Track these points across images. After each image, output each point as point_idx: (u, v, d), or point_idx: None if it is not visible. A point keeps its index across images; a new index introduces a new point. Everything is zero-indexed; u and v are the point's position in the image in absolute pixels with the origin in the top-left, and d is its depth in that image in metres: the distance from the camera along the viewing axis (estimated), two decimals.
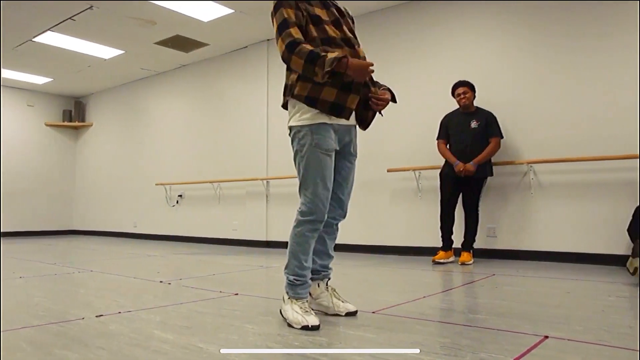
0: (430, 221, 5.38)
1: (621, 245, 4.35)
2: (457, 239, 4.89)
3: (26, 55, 7.95)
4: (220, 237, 7.60)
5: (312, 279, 2.46)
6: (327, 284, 2.57)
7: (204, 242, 7.81)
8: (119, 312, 2.56)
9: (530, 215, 4.95)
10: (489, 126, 4.81)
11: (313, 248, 2.45)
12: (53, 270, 4.34)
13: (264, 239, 7.01)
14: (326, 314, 2.50)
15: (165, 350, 1.88)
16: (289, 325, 2.23)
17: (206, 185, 7.84)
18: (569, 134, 4.76)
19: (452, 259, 4.87)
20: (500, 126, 4.85)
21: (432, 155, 5.20)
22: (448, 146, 4.97)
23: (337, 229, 2.62)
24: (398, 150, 5.82)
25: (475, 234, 4.85)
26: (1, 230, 9.47)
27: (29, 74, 9.11)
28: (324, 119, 2.32)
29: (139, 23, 6.58)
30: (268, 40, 7.22)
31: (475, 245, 4.89)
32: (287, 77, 2.41)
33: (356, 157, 2.65)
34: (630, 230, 4.04)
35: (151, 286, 3.50)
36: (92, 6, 6.06)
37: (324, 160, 2.35)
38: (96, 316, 2.47)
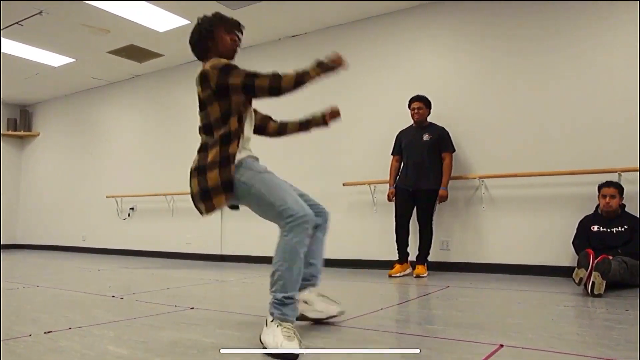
0: (385, 234, 5.43)
1: (567, 257, 4.51)
2: (413, 252, 4.97)
3: None
4: (174, 250, 7.44)
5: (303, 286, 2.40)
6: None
7: (156, 256, 7.62)
8: (69, 328, 2.46)
9: (482, 229, 5.08)
10: (442, 141, 4.93)
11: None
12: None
13: (219, 253, 6.91)
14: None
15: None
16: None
17: (159, 198, 7.67)
18: (518, 150, 4.93)
19: (408, 270, 4.93)
20: (453, 141, 4.98)
21: (387, 169, 5.27)
22: (403, 161, 5.07)
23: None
24: (353, 164, 5.87)
25: (430, 247, 4.93)
26: None
27: None
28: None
29: (92, 31, 6.42)
30: None
31: (430, 258, 4.97)
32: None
33: None
34: (575, 242, 4.22)
35: (102, 301, 3.39)
36: (41, 11, 5.88)
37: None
38: (45, 332, 2.36)
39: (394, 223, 4.99)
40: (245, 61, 6.96)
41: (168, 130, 7.82)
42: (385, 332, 2.40)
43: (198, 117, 2.50)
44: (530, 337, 2.24)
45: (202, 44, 2.53)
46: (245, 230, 6.67)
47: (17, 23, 6.21)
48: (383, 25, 5.86)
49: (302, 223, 2.12)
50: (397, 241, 4.95)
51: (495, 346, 2.07)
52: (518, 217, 4.90)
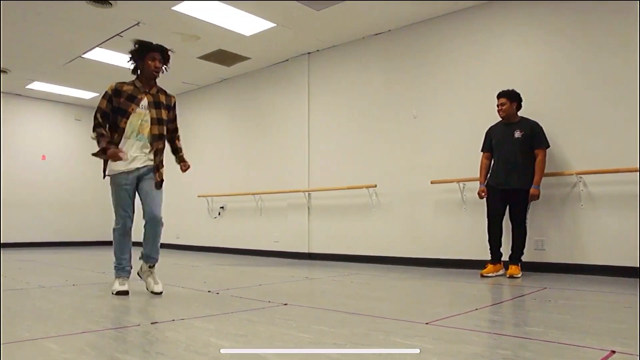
0: (475, 234, 5.29)
1: None
2: (506, 252, 4.79)
3: (75, 72, 8.23)
4: (262, 248, 7.64)
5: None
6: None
7: (245, 254, 7.86)
8: (173, 320, 2.59)
9: (581, 228, 4.80)
10: (534, 136, 4.72)
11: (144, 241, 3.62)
12: (103, 279, 4.43)
13: (306, 251, 7.01)
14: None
15: (224, 357, 1.89)
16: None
17: (248, 197, 7.91)
18: (620, 143, 4.61)
19: (501, 272, 4.76)
20: (547, 135, 4.75)
21: (476, 167, 5.12)
22: (494, 158, 4.91)
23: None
24: (442, 161, 5.75)
25: (524, 246, 4.74)
26: (52, 240, 9.79)
27: (77, 89, 9.43)
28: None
29: (184, 38, 6.74)
30: (309, 53, 7.28)
31: (524, 258, 4.77)
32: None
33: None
34: None
35: (200, 295, 3.53)
36: (138, 22, 6.24)
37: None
38: (151, 323, 2.50)
39: (486, 222, 4.84)
40: (330, 61, 7.05)
41: (256, 130, 8.04)
42: (482, 333, 2.33)
43: (152, 128, 3.60)
44: None
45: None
46: (332, 229, 6.72)
47: (117, 35, 6.63)
48: (468, 20, 5.69)
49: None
50: (489, 241, 4.80)
51: (606, 352, 1.94)
52: (620, 216, 4.59)
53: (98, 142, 3.46)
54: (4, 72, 8.31)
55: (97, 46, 7.07)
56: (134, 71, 3.64)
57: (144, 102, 3.56)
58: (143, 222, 3.56)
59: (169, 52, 3.68)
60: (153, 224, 3.56)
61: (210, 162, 8.80)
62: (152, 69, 3.56)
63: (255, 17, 6.06)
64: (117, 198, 3.54)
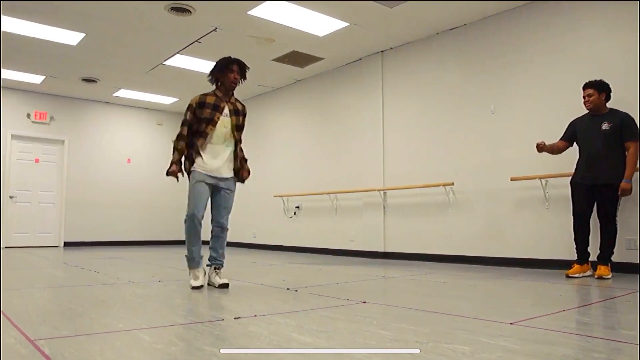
0: (559, 232, 5.05)
1: None
2: (594, 252, 4.54)
3: (157, 78, 8.63)
4: (337, 247, 7.68)
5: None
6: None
7: (320, 253, 7.93)
8: (255, 316, 2.65)
9: None
10: (625, 129, 4.44)
11: (211, 244, 3.99)
12: (186, 275, 4.61)
13: (382, 250, 6.97)
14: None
15: (307, 352, 1.92)
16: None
17: (323, 197, 7.98)
18: None
19: (589, 272, 4.53)
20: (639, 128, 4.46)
21: (560, 162, 4.89)
22: (579, 152, 4.67)
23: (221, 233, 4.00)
24: (522, 157, 5.54)
25: (614, 246, 4.47)
26: (137, 239, 10.32)
27: (159, 95, 9.89)
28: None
29: (259, 41, 6.89)
30: (382, 51, 7.24)
31: (613, 259, 4.50)
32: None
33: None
34: None
35: (279, 293, 3.60)
36: (216, 28, 6.45)
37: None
38: (234, 318, 2.58)
39: (572, 220, 4.61)
40: (404, 59, 6.96)
41: (330, 130, 8.10)
42: (571, 335, 2.22)
43: (235, 134, 3.94)
44: None
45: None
46: (408, 228, 6.65)
47: (196, 41, 6.89)
48: (547, 11, 5.45)
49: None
50: (575, 240, 4.57)
51: None
52: None
53: (173, 152, 3.87)
54: (94, 81, 8.87)
55: (177, 53, 7.38)
56: (213, 82, 3.92)
57: (226, 110, 3.85)
58: (210, 226, 3.98)
59: (247, 67, 3.92)
60: (221, 231, 3.99)
61: (285, 163, 8.95)
62: (232, 80, 3.82)
63: (328, 17, 6.10)
64: (192, 189, 3.76)
